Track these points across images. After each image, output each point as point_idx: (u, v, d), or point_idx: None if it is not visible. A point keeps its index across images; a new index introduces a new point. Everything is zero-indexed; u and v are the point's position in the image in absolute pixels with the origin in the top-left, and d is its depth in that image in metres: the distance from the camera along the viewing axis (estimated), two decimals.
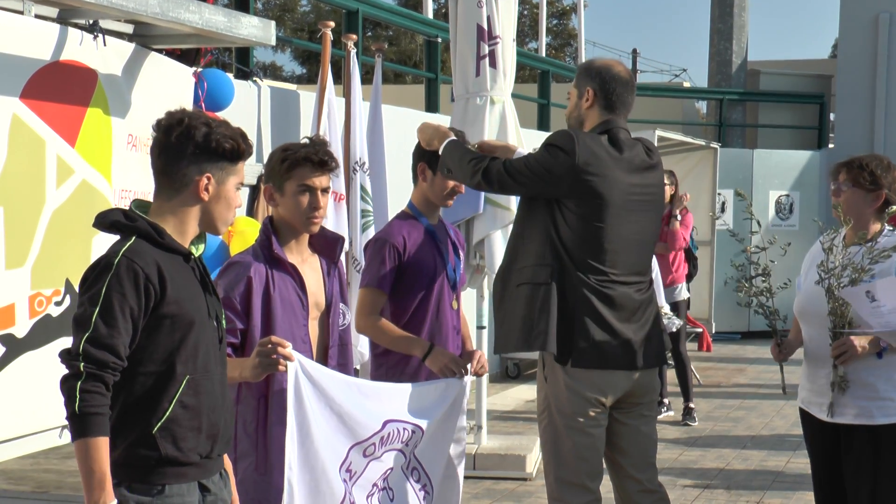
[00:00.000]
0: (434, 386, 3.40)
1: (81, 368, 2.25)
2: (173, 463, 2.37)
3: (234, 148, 2.43)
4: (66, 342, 4.02)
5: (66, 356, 2.30)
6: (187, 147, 2.39)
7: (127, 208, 2.45)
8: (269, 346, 2.75)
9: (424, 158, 3.64)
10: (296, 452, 2.89)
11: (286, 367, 2.79)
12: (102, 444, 2.23)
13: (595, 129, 3.45)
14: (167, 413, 2.35)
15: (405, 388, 3.31)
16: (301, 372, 2.90)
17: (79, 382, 2.24)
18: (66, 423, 2.27)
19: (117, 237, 2.44)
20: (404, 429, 3.25)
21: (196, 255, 2.50)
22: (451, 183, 3.62)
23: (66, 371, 2.28)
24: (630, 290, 3.41)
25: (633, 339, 3.40)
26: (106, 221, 2.42)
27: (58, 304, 4.08)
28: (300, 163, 3.05)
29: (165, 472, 2.36)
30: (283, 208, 3.07)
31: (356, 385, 3.16)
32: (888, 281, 3.22)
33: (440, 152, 3.56)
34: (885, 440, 3.39)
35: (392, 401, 3.24)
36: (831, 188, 3.58)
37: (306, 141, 3.14)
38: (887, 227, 3.53)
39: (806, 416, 3.60)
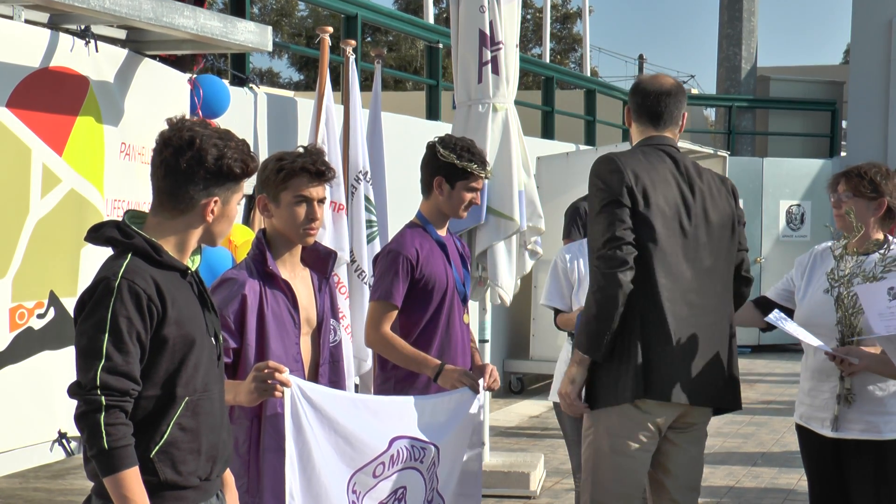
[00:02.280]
0: (448, 398, 3.35)
1: (102, 401, 2.19)
2: (172, 487, 2.31)
3: (243, 171, 2.38)
4: (49, 356, 4.00)
5: (79, 390, 2.23)
6: (197, 173, 2.33)
7: (120, 220, 2.37)
8: (266, 370, 2.69)
9: (441, 172, 3.56)
10: (297, 480, 2.84)
11: (283, 392, 2.74)
12: (136, 474, 2.22)
13: (633, 146, 3.32)
14: (165, 436, 2.30)
15: (417, 402, 3.25)
16: (300, 396, 2.85)
17: (101, 416, 2.19)
18: (93, 459, 2.21)
19: (109, 250, 2.37)
20: (413, 446, 3.19)
21: (193, 269, 2.44)
22: (471, 195, 3.57)
23: (83, 406, 2.22)
24: (694, 315, 3.19)
25: (698, 371, 3.20)
26: (101, 236, 2.35)
27: (40, 316, 4.02)
28: (297, 173, 2.99)
29: (164, 497, 2.31)
30: (277, 220, 3.01)
31: (363, 402, 3.12)
32: None
33: (580, 358, 3.23)
34: (891, 455, 3.36)
35: (402, 417, 3.19)
36: (831, 200, 3.54)
37: (301, 150, 3.06)
38: (891, 238, 3.50)
39: (805, 433, 3.56)
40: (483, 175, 3.57)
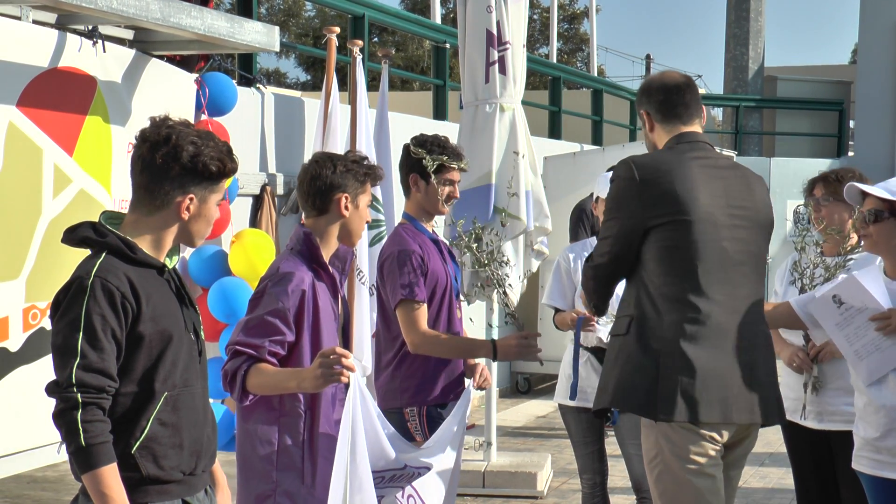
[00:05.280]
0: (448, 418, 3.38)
1: (79, 398, 2.21)
2: (156, 481, 2.33)
3: (219, 170, 2.38)
4: None
5: (56, 388, 2.25)
6: (172, 168, 2.34)
7: (96, 221, 2.39)
8: (333, 356, 2.71)
9: (415, 169, 3.59)
10: (343, 465, 2.85)
11: (349, 378, 2.76)
12: (114, 471, 2.22)
13: (664, 147, 3.14)
14: (145, 432, 2.31)
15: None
16: (357, 385, 2.90)
17: (78, 413, 2.20)
18: (71, 456, 2.23)
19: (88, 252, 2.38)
20: (417, 471, 3.24)
21: (170, 267, 2.45)
22: (448, 189, 3.58)
23: (61, 404, 2.23)
24: (729, 319, 3.03)
25: (739, 386, 3.01)
26: (75, 237, 2.37)
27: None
28: (373, 179, 3.10)
29: (148, 491, 2.32)
30: (352, 221, 3.07)
31: (382, 420, 3.16)
32: (848, 280, 3.11)
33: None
34: None
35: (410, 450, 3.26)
36: (810, 204, 3.61)
37: (361, 155, 3.17)
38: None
39: (790, 426, 3.62)
40: (456, 167, 3.59)
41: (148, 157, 2.34)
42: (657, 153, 3.12)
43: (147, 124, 2.41)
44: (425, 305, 3.47)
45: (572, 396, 4.17)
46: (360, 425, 2.90)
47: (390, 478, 3.14)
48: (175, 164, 2.33)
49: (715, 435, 3.00)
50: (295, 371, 2.80)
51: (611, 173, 4.39)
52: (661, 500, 3.05)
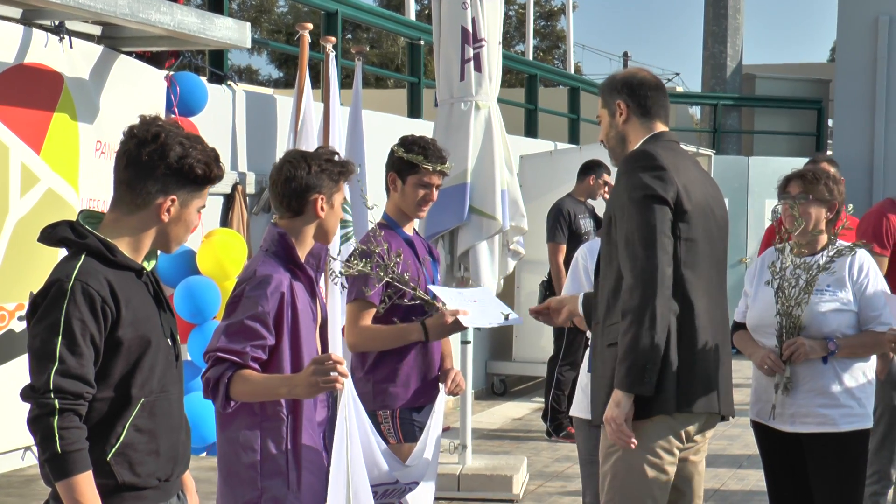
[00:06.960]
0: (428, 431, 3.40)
1: (56, 404, 2.17)
2: (131, 488, 2.30)
3: (205, 174, 2.35)
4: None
5: (32, 393, 2.20)
6: (158, 167, 2.30)
7: (74, 220, 2.33)
8: (328, 363, 2.67)
9: (394, 168, 3.56)
10: (341, 472, 2.86)
11: (343, 384, 2.73)
12: (89, 479, 2.20)
13: (646, 142, 3.13)
14: (121, 438, 2.28)
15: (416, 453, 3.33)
16: (351, 393, 2.90)
17: (55, 420, 2.17)
18: (46, 463, 2.18)
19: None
20: (407, 487, 3.25)
21: (148, 270, 2.40)
22: (422, 191, 3.57)
23: (37, 409, 2.18)
24: (722, 320, 3.11)
25: (724, 378, 3.10)
26: (54, 237, 2.31)
27: (21, 318, 3.97)
28: (346, 176, 3.06)
29: (123, 498, 2.30)
30: (328, 220, 3.02)
31: (375, 434, 3.16)
32: None
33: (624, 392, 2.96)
34: (850, 446, 3.46)
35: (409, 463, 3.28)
36: (784, 201, 3.62)
37: (332, 150, 3.12)
38: (839, 241, 3.62)
39: (762, 429, 3.62)
40: (433, 169, 3.56)
41: (134, 152, 2.30)
42: (659, 149, 3.07)
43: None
44: (374, 309, 3.46)
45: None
46: (356, 433, 2.91)
47: (383, 493, 3.14)
48: (161, 162, 2.29)
49: (690, 429, 3.06)
50: (285, 377, 2.76)
51: None
52: (611, 485, 3.07)
